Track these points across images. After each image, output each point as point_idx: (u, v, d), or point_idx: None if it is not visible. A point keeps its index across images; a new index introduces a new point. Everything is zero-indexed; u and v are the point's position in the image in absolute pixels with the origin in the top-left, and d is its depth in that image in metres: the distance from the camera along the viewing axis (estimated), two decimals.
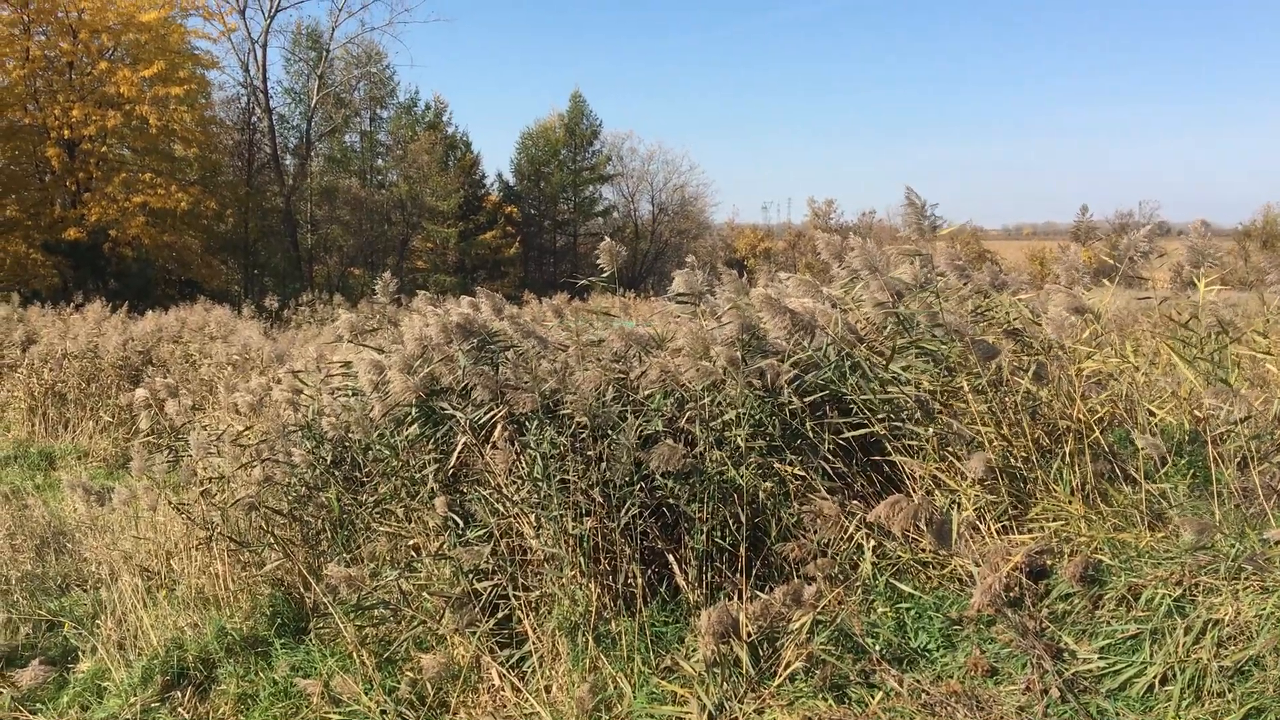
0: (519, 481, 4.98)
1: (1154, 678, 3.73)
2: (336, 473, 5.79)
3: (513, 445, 4.98)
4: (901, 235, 5.56)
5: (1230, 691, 3.59)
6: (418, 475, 5.37)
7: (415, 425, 5.44)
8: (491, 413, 5.04)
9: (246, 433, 6.73)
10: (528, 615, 4.71)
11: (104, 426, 11.84)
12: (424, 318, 5.96)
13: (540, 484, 4.88)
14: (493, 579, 4.88)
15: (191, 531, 6.16)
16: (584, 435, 4.83)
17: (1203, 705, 3.60)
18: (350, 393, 5.98)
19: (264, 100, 44.71)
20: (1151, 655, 3.80)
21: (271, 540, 5.85)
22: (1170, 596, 3.91)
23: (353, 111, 49.87)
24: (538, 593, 4.79)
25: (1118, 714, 3.65)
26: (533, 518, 4.89)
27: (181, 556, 6.20)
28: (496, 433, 5.05)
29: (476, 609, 4.77)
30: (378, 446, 5.60)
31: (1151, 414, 4.94)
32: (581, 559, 4.70)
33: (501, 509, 4.98)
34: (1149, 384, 5.19)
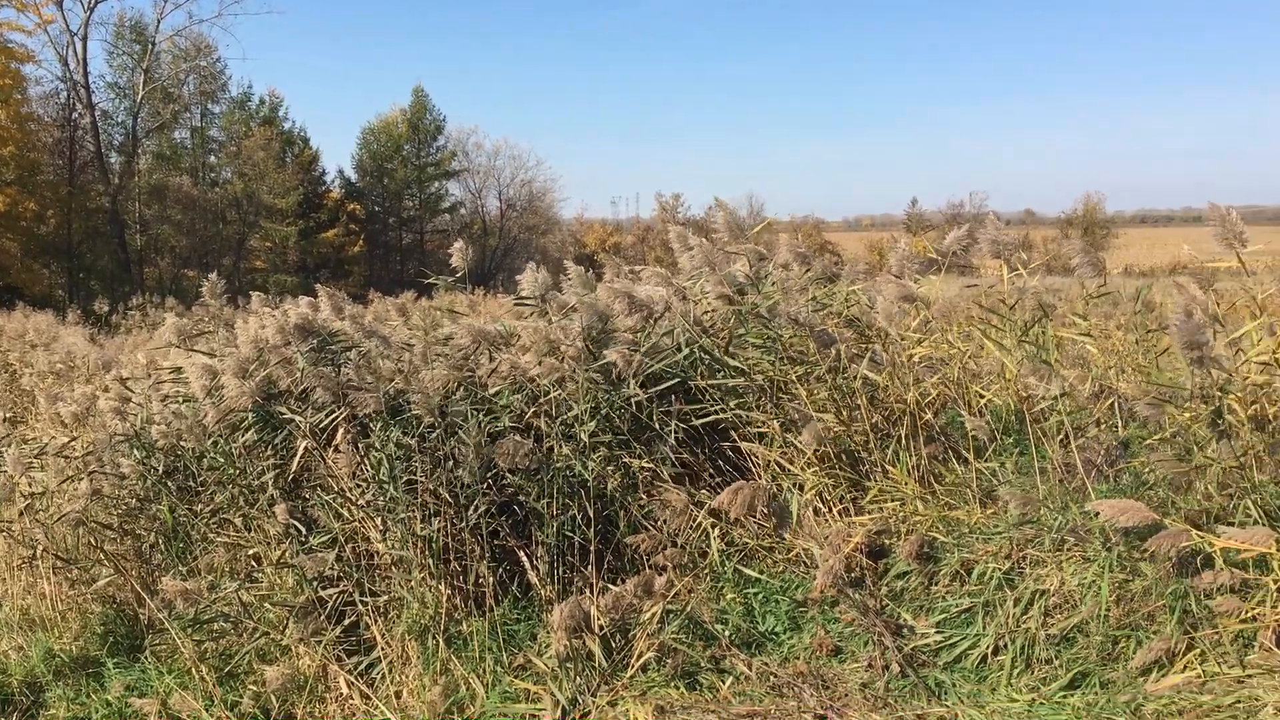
0: (364, 484, 4.87)
1: (987, 648, 3.90)
2: (169, 483, 5.54)
3: (356, 448, 4.86)
4: (717, 237, 5.73)
5: (1057, 658, 3.78)
6: (256, 482, 5.19)
7: (251, 431, 5.26)
8: (333, 415, 4.91)
9: (71, 445, 6.40)
10: (376, 621, 4.60)
11: None
12: (260, 319, 5.75)
13: (386, 486, 4.78)
14: (338, 585, 4.75)
15: (13, 551, 5.84)
16: (431, 435, 4.75)
17: (1032, 672, 3.78)
18: (182, 399, 5.73)
19: (85, 96, 42.45)
20: (984, 627, 3.97)
21: (101, 556, 5.57)
22: (1000, 570, 4.10)
23: (182, 107, 47.76)
24: (386, 597, 4.69)
25: (954, 685, 3.80)
26: (379, 521, 4.79)
27: (3, 577, 5.86)
28: (339, 435, 4.92)
29: (322, 617, 4.64)
30: (212, 454, 5.38)
31: (981, 395, 5.15)
32: (430, 560, 4.63)
33: (346, 513, 4.86)
34: (978, 367, 5.42)
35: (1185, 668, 3.56)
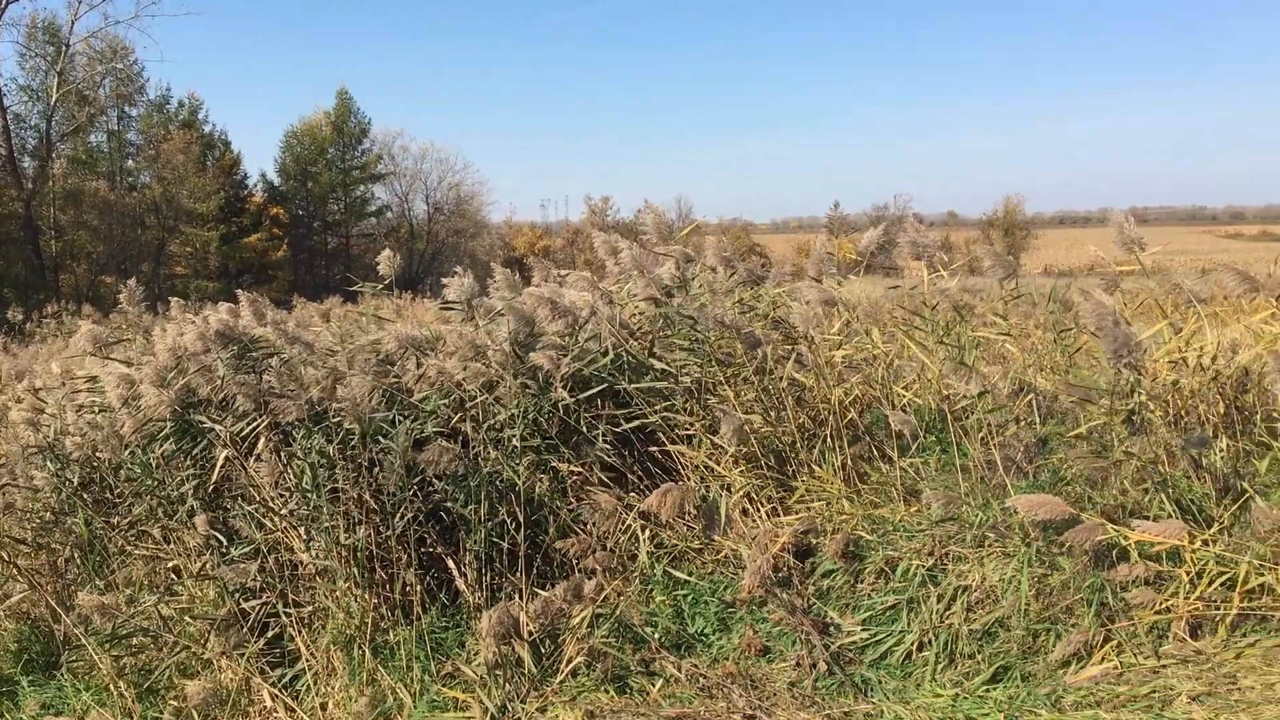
0: (286, 494, 4.78)
1: (912, 645, 3.95)
2: (85, 495, 5.41)
3: (278, 456, 4.77)
4: (646, 239, 5.76)
5: (980, 652, 3.84)
6: (175, 493, 5.08)
7: (170, 441, 5.14)
8: (254, 423, 4.81)
9: None
10: (300, 632, 4.53)
11: None
12: (179, 326, 5.62)
13: (309, 495, 4.70)
14: (261, 597, 4.67)
15: None
16: (354, 442, 4.69)
17: (956, 667, 3.84)
18: (98, 409, 5.59)
19: None
20: (909, 624, 4.02)
21: (14, 571, 5.41)
22: (923, 567, 4.15)
23: (98, 110, 46.50)
24: (310, 608, 4.61)
25: (880, 682, 3.84)
26: (302, 530, 4.71)
27: None
28: (260, 444, 4.83)
29: (244, 629, 4.55)
30: (129, 465, 5.25)
31: (903, 395, 5.22)
32: (355, 570, 4.56)
33: (268, 523, 4.77)
34: (900, 367, 5.49)
35: (1103, 659, 3.64)
